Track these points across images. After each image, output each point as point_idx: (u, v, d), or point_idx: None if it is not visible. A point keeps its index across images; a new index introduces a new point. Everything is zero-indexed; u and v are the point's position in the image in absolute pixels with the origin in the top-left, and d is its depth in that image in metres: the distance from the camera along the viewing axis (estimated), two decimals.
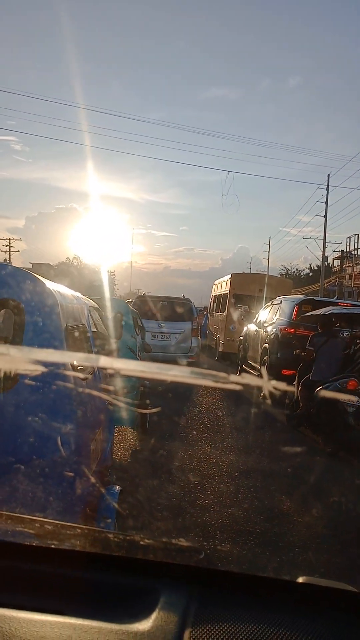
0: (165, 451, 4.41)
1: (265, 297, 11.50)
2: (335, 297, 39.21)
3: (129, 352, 4.86)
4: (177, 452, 4.42)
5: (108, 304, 4.99)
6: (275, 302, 9.05)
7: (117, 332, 4.77)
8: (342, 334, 6.20)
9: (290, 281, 17.56)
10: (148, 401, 5.19)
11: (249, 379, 1.54)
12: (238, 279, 13.80)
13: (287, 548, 2.78)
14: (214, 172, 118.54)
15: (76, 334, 2.07)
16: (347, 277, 42.41)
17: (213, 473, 3.90)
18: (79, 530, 1.11)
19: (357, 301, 32.64)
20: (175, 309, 10.52)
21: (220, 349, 13.79)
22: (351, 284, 41.75)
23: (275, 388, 2.21)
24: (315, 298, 8.53)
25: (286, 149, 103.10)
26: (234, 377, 1.50)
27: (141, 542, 1.06)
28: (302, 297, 9.10)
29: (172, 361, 8.68)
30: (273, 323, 8.35)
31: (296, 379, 6.08)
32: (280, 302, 8.67)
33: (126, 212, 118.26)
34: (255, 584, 0.99)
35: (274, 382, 2.33)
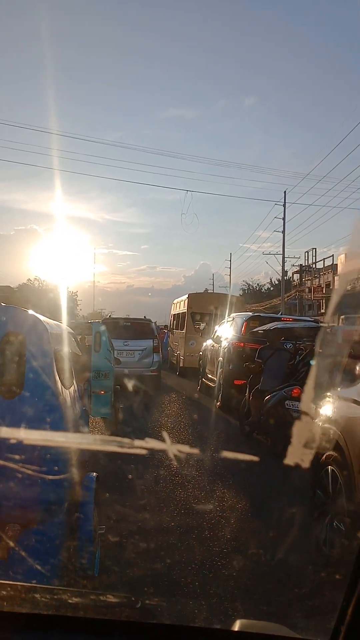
0: (133, 434, 6.30)
1: (221, 315, 12.82)
2: (297, 311, 41.15)
3: (106, 362, 6.60)
4: (144, 434, 6.20)
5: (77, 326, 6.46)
6: (228, 318, 10.35)
7: (97, 347, 6.49)
8: (287, 347, 7.21)
9: (243, 298, 19.08)
10: (120, 402, 7.10)
11: (153, 443, 1.96)
12: (195, 298, 15.28)
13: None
14: (173, 191, 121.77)
15: (61, 354, 2.81)
16: (306, 290, 44.56)
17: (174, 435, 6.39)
18: (4, 592, 1.10)
19: (304, 316, 34.57)
20: (138, 329, 11.90)
21: (181, 364, 14.95)
22: (311, 297, 43.93)
23: (179, 451, 3.26)
24: (261, 314, 9.86)
25: (243, 167, 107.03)
26: (137, 442, 2.23)
27: (69, 600, 1.07)
28: (250, 313, 10.41)
29: (136, 375, 10.10)
30: (226, 338, 9.60)
31: (247, 389, 6.95)
32: (233, 319, 9.95)
33: (87, 232, 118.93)
34: (187, 634, 1.00)
35: (179, 447, 3.30)
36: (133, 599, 1.16)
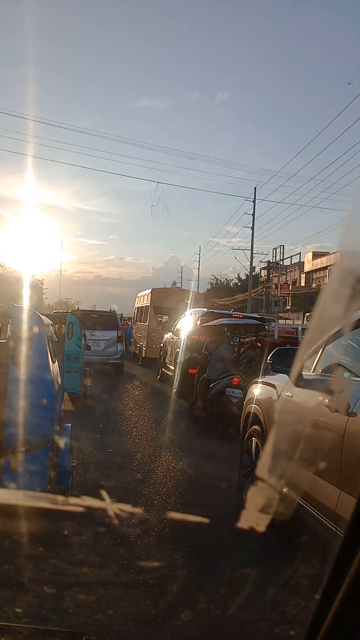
0: (96, 406, 8.28)
1: (181, 309, 13.74)
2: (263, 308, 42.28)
3: (77, 348, 8.17)
4: (104, 406, 8.35)
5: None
6: (186, 313, 11.14)
7: (70, 334, 7.75)
8: (233, 341, 8.09)
9: (202, 294, 20.06)
10: (89, 378, 8.79)
11: (89, 501, 2.32)
12: (158, 293, 16.36)
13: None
14: (144, 182, 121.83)
15: (49, 338, 3.87)
16: (273, 286, 45.88)
17: (128, 415, 7.86)
18: None
19: (260, 312, 35.61)
20: (104, 320, 13.16)
21: (143, 355, 15.90)
22: (277, 294, 45.31)
23: (120, 509, 3.34)
24: (214, 311, 10.76)
25: (214, 161, 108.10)
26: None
27: None
28: (205, 309, 11.27)
29: (102, 362, 12.05)
30: (184, 331, 10.38)
31: (196, 378, 7.76)
32: (191, 314, 10.76)
33: (55, 220, 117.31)
34: None
35: (118, 505, 3.46)
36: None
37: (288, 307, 42.80)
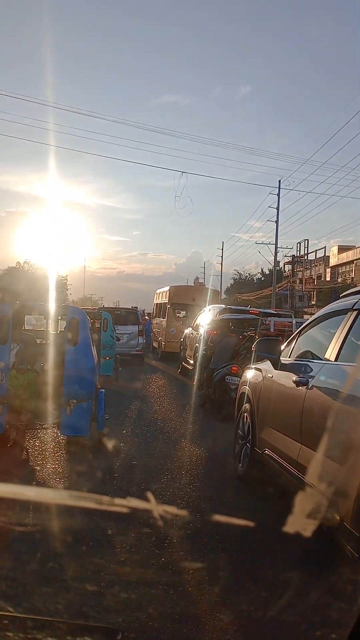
0: (126, 385, 10.38)
1: (198, 305, 14.81)
2: (288, 304, 42.68)
3: (110, 338, 10.25)
4: (130, 385, 10.57)
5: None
6: (206, 309, 12.09)
7: (105, 327, 9.80)
8: (237, 335, 8.98)
9: (218, 290, 21.07)
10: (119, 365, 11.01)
11: (134, 502, 2.76)
12: (176, 290, 17.52)
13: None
14: (166, 177, 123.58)
15: (91, 328, 5.84)
16: (297, 281, 46.10)
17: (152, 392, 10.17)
18: None
19: (285, 307, 35.91)
20: (126, 316, 15.17)
21: (163, 349, 17.01)
22: (302, 288, 45.56)
23: (165, 511, 3.63)
24: (232, 307, 11.63)
25: (239, 149, 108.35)
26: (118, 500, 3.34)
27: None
28: (223, 306, 12.21)
29: (125, 353, 13.51)
30: (203, 326, 11.31)
31: (204, 367, 8.76)
32: (210, 310, 11.70)
33: (79, 217, 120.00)
34: None
35: (163, 507, 3.67)
36: (111, 637, 1.18)
37: (313, 302, 43.05)
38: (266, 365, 4.48)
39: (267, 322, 9.52)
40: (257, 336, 7.78)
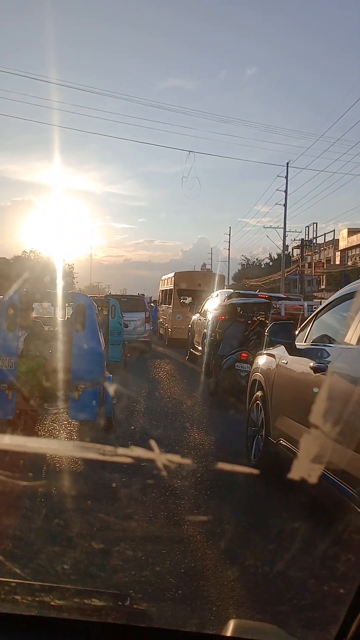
0: (133, 371, 10.44)
1: (204, 291, 14.62)
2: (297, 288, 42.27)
3: (118, 325, 10.20)
4: (138, 372, 10.55)
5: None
6: (213, 294, 11.83)
7: (112, 314, 9.97)
8: (246, 320, 8.72)
9: (224, 275, 20.94)
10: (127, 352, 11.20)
11: (138, 451, 2.64)
12: (181, 276, 17.38)
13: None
14: (171, 164, 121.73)
15: (97, 314, 5.93)
16: (306, 265, 45.55)
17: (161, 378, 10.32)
18: None
19: (294, 292, 35.53)
20: (133, 303, 14.90)
21: (169, 336, 16.95)
22: (311, 273, 45.01)
23: (169, 460, 3.76)
24: (241, 291, 11.36)
25: (246, 136, 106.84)
26: (121, 450, 3.13)
27: (52, 602, 1.09)
28: (231, 291, 11.93)
29: (132, 340, 13.51)
30: (211, 312, 11.08)
31: (212, 354, 8.57)
32: (217, 295, 11.44)
33: (85, 204, 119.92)
34: (177, 638, 1.03)
35: (168, 456, 3.78)
36: (120, 602, 1.19)
37: (322, 287, 42.59)
38: (279, 350, 4.28)
39: (277, 305, 9.24)
40: (268, 321, 7.54)
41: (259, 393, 4.61)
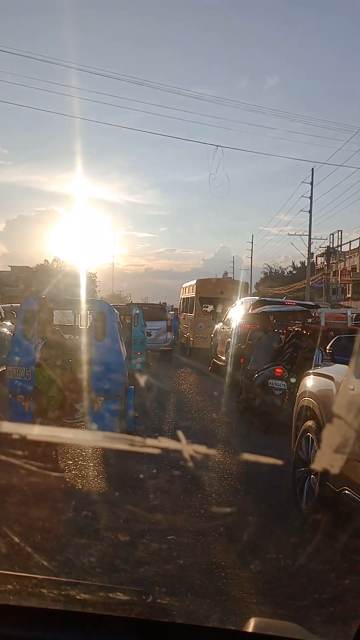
0: (156, 379, 9.67)
1: (227, 299, 13.73)
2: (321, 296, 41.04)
3: (142, 333, 9.80)
4: (162, 381, 9.98)
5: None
6: (237, 302, 10.88)
7: (136, 322, 9.63)
8: (280, 330, 7.63)
9: (247, 283, 20.06)
10: (150, 360, 10.68)
11: (166, 442, 2.43)
12: (203, 284, 16.55)
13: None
14: (194, 173, 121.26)
15: (119, 322, 5.51)
16: (331, 273, 44.18)
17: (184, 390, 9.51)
18: (10, 585, 1.12)
19: (319, 300, 34.36)
20: (154, 312, 14.37)
21: (191, 345, 16.14)
22: (336, 281, 43.59)
23: (195, 451, 3.61)
24: (267, 299, 10.39)
25: (266, 143, 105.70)
26: (150, 441, 2.77)
27: (77, 596, 1.08)
28: (257, 298, 10.96)
29: (154, 349, 12.96)
30: (235, 321, 10.14)
31: (241, 369, 7.49)
32: (242, 303, 10.50)
33: (107, 214, 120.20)
34: (200, 634, 1.00)
35: (195, 447, 3.62)
36: (144, 595, 1.20)
37: (349, 295, 41.19)
38: (338, 371, 3.34)
39: (316, 314, 8.09)
40: (305, 331, 6.51)
41: (310, 423, 3.67)
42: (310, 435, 3.64)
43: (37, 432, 4.37)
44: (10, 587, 1.11)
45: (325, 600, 2.51)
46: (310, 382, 3.87)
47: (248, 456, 4.66)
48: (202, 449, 5.20)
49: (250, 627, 1.02)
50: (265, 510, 3.79)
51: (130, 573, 2.65)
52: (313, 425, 3.61)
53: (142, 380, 9.19)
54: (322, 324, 7.77)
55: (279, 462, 3.96)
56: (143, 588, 2.38)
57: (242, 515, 3.62)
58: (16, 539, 3.00)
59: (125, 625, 1.01)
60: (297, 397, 4.16)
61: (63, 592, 1.11)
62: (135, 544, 2.94)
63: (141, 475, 4.28)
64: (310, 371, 4.01)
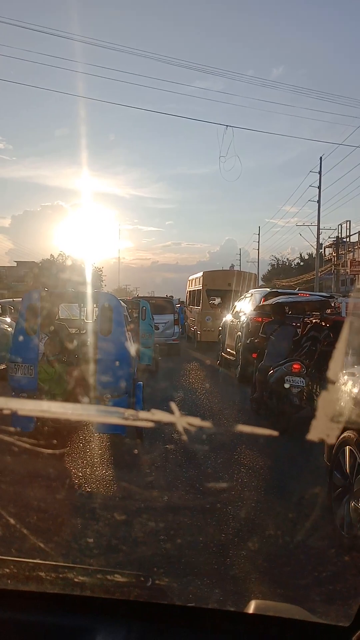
0: (164, 375, 9.73)
1: (235, 291, 13.32)
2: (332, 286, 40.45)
3: (149, 327, 9.61)
4: (169, 375, 9.99)
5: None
6: (247, 294, 10.43)
7: (143, 316, 9.40)
8: (296, 322, 7.09)
9: (255, 274, 19.55)
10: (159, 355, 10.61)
11: (160, 415, 2.23)
12: (209, 276, 16.06)
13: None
14: (199, 165, 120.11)
15: (126, 316, 5.19)
16: (340, 264, 43.53)
17: (194, 387, 9.05)
18: (7, 569, 1.12)
19: (329, 292, 33.77)
20: (161, 305, 14.06)
21: (198, 339, 15.77)
22: (346, 272, 42.92)
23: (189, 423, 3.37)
24: (279, 290, 9.91)
25: (274, 135, 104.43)
26: (143, 414, 2.61)
27: (75, 579, 1.07)
28: (268, 289, 10.50)
29: (161, 343, 12.63)
30: (245, 313, 9.72)
31: (255, 364, 6.91)
32: (252, 295, 10.05)
33: (112, 208, 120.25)
34: (200, 616, 1.00)
35: (188, 419, 3.38)
36: (142, 578, 1.17)
37: (358, 286, 40.53)
38: None
39: (336, 304, 7.51)
40: (325, 323, 6.07)
41: (349, 435, 3.15)
42: (349, 450, 3.09)
43: (29, 407, 4.02)
44: (7, 571, 1.10)
45: (325, 578, 2.46)
46: (350, 385, 3.27)
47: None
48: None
49: (251, 608, 1.01)
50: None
51: (128, 554, 2.63)
52: (353, 437, 3.06)
53: (150, 375, 8.98)
54: (343, 314, 7.19)
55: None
56: (141, 571, 2.32)
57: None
58: (11, 520, 2.92)
59: (124, 608, 1.00)
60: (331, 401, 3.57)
61: (61, 576, 1.10)
62: (132, 523, 2.88)
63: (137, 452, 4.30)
64: (349, 371, 3.44)
